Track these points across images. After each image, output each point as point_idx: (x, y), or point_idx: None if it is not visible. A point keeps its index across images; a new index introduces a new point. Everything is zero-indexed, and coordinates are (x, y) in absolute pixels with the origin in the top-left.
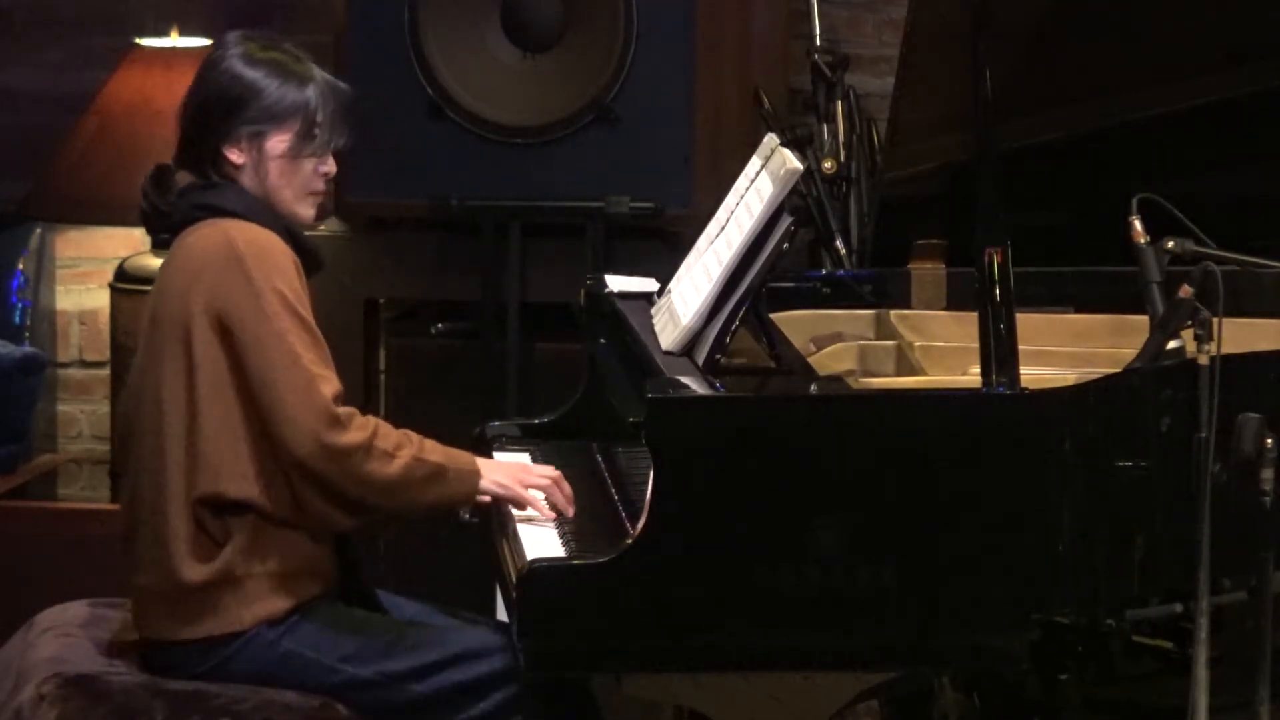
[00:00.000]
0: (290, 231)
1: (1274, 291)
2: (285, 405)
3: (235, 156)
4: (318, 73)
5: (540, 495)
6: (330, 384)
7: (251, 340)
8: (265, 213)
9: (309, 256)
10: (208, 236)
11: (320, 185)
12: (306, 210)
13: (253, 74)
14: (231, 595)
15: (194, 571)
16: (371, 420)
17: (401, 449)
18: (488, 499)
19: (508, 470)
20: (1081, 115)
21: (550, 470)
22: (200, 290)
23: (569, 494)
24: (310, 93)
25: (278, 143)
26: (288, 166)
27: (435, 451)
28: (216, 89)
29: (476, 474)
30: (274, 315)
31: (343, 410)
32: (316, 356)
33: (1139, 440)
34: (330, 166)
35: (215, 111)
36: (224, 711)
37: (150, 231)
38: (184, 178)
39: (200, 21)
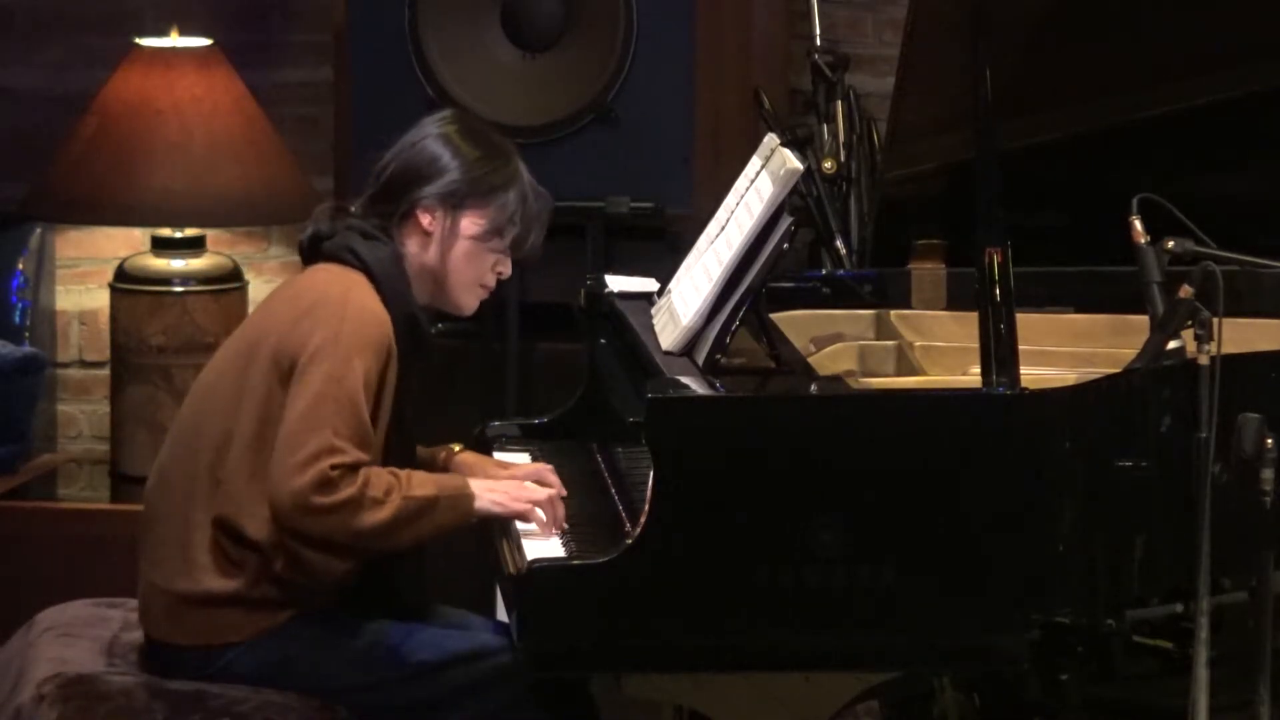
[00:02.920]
0: (415, 316)
1: (1274, 291)
2: (291, 462)
3: (426, 222)
4: (522, 171)
5: (537, 509)
6: (345, 456)
7: (299, 394)
8: (402, 290)
9: (422, 345)
10: (334, 284)
11: (492, 282)
12: (471, 301)
13: (450, 158)
14: (238, 611)
15: (204, 583)
16: (362, 472)
17: (391, 492)
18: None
19: (503, 487)
20: (1081, 115)
21: (548, 489)
22: (290, 332)
23: (561, 514)
24: (512, 193)
25: (471, 223)
26: (474, 250)
27: (424, 484)
28: (412, 161)
29: (469, 497)
30: (331, 380)
31: (335, 472)
32: (346, 431)
33: (1139, 440)
34: (507, 269)
35: (409, 181)
36: (224, 712)
37: (305, 261)
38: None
39: (200, 21)
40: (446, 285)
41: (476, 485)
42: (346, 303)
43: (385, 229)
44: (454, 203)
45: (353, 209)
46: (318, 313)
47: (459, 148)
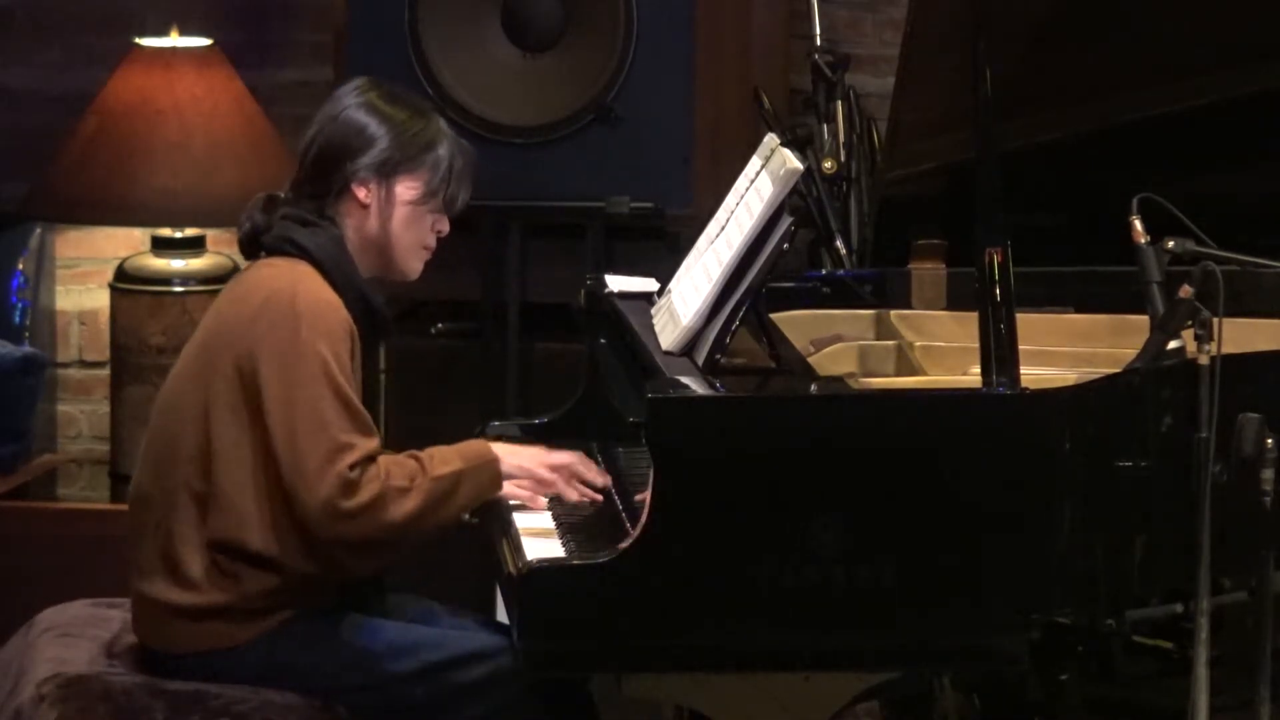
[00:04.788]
0: (366, 297)
1: (1274, 291)
2: (307, 473)
3: (363, 195)
4: (445, 128)
5: (560, 478)
6: (357, 451)
7: (283, 401)
8: (348, 269)
9: (379, 324)
10: (281, 278)
11: (433, 243)
12: (417, 265)
13: (377, 126)
14: (234, 620)
15: (197, 597)
16: (383, 464)
17: (416, 478)
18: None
19: (529, 455)
20: (1081, 115)
21: (573, 455)
22: (246, 335)
23: (591, 478)
24: (441, 151)
25: (406, 189)
26: (412, 215)
27: (448, 460)
28: (338, 136)
29: (494, 462)
30: (310, 380)
31: (354, 472)
32: (348, 424)
33: (1139, 440)
34: (445, 226)
35: (338, 156)
36: (224, 711)
37: (246, 256)
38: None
39: (200, 21)
40: (391, 254)
41: (501, 449)
42: (296, 296)
43: (321, 210)
44: (387, 170)
45: (283, 195)
46: (270, 313)
47: (384, 113)
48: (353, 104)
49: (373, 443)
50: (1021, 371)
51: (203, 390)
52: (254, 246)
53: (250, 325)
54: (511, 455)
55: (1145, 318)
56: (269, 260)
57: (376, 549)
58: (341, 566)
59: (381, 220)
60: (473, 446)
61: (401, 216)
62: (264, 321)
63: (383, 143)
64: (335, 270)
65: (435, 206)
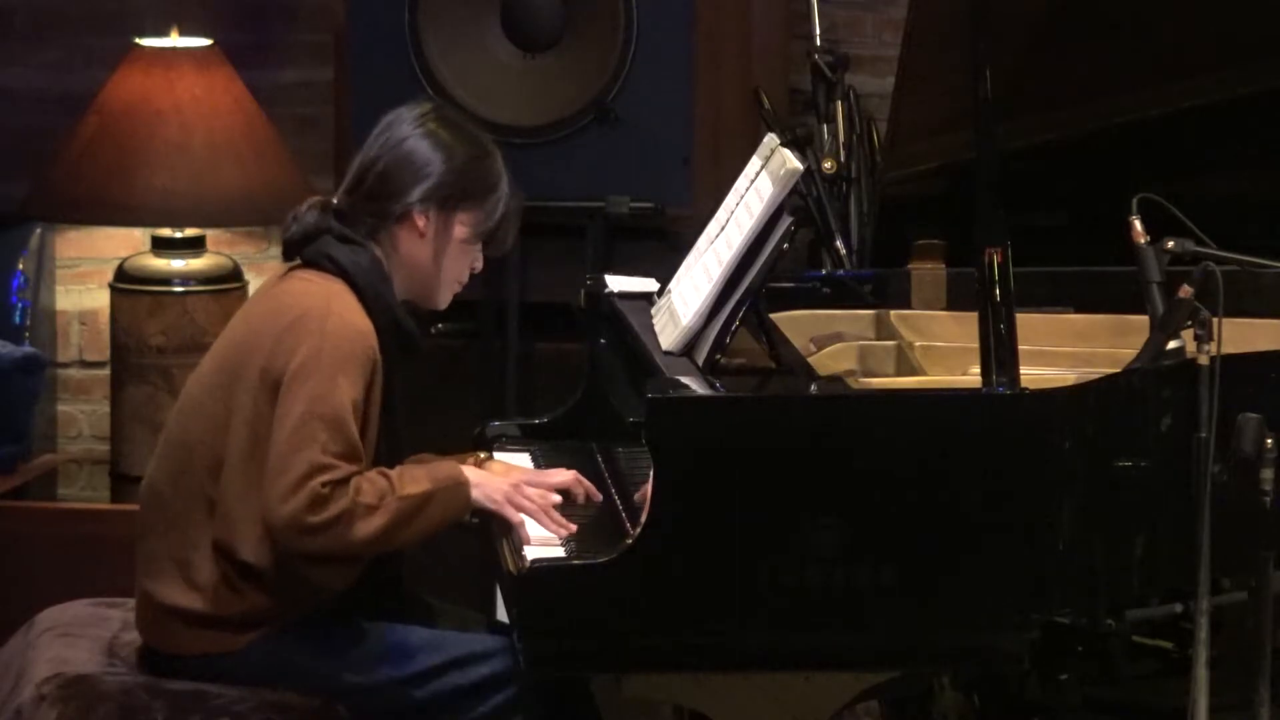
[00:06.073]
0: (399, 320)
1: (1274, 291)
2: (282, 485)
3: (421, 222)
4: (503, 165)
5: (526, 516)
6: (336, 472)
7: (286, 412)
8: (384, 294)
9: (408, 344)
10: (315, 294)
11: (467, 278)
12: (448, 296)
13: (443, 160)
14: (238, 626)
15: (204, 605)
16: (354, 481)
17: (385, 497)
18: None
19: (498, 486)
20: (1081, 115)
21: (550, 483)
22: (276, 349)
23: (560, 520)
24: (502, 191)
25: (463, 225)
26: (462, 250)
27: (417, 481)
28: (402, 163)
29: (464, 485)
30: (317, 400)
31: (325, 488)
32: (336, 448)
33: (1139, 440)
34: (480, 264)
35: (401, 185)
36: (224, 711)
37: (286, 258)
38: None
39: (200, 21)
40: (433, 284)
41: (472, 475)
42: (327, 316)
43: (374, 231)
44: (451, 204)
45: (335, 201)
46: (300, 329)
47: (450, 149)
48: (416, 133)
49: (354, 468)
50: (1021, 371)
51: (226, 399)
52: (296, 251)
53: (279, 340)
54: (484, 483)
55: (1145, 318)
56: (304, 274)
57: (339, 563)
58: (305, 578)
59: (435, 250)
60: (444, 468)
61: (453, 250)
62: (293, 337)
63: (449, 176)
64: (370, 292)
65: (484, 247)
